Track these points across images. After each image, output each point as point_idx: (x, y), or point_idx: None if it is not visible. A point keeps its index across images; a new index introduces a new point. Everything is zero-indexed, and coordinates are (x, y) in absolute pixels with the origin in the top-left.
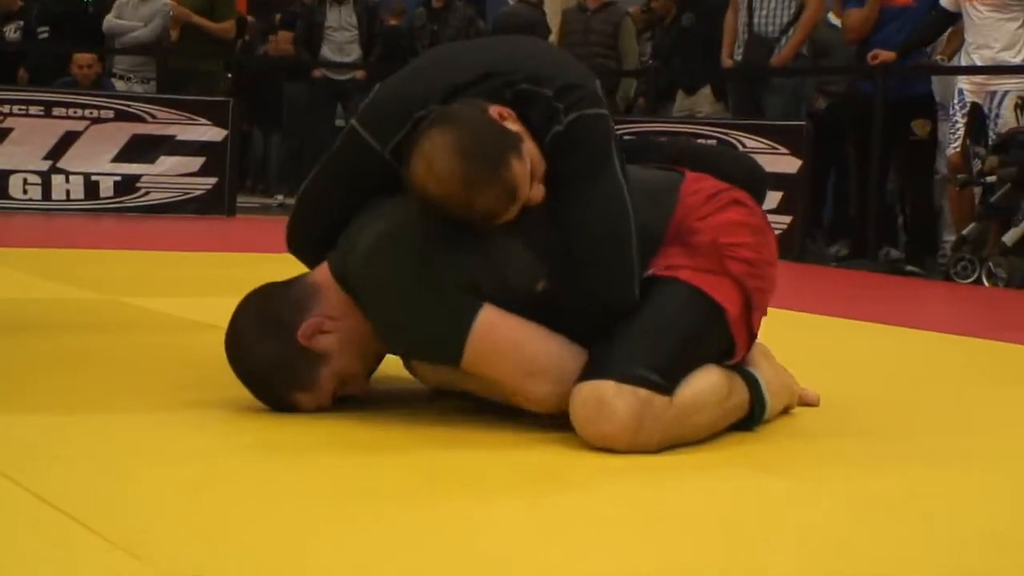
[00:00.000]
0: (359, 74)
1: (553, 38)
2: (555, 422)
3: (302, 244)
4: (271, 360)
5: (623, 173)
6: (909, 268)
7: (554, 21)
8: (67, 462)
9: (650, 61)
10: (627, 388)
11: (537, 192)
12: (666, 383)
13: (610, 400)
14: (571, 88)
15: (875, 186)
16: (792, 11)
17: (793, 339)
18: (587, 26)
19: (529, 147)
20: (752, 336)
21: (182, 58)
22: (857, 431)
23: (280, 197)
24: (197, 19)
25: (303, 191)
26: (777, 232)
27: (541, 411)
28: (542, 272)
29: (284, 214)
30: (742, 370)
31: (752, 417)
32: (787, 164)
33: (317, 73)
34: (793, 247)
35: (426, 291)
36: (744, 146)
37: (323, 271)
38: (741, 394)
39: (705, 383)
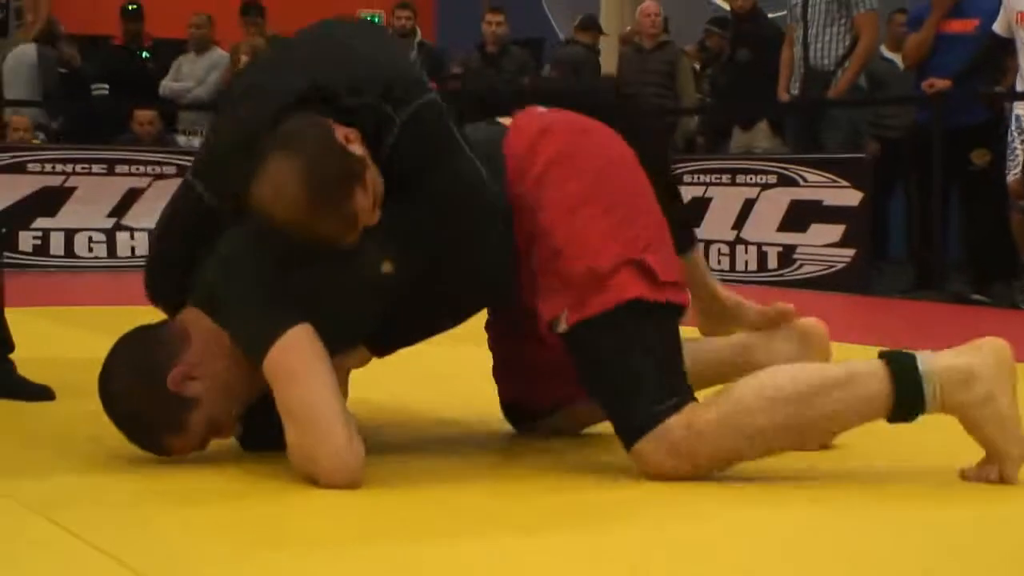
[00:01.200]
0: None
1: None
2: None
3: (162, 294)
4: (142, 405)
5: (467, 145)
6: (975, 297)
7: (610, 60)
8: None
9: (707, 99)
10: (644, 439)
11: (375, 217)
12: (669, 402)
13: (645, 458)
14: (393, 84)
15: (937, 216)
16: (847, 43)
17: None
18: (644, 66)
19: (372, 173)
20: (675, 267)
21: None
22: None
23: None
24: None
25: (153, 248)
26: (840, 266)
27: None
28: (385, 254)
29: None
30: (893, 355)
31: (903, 406)
32: (849, 197)
33: None
34: (858, 280)
35: (253, 298)
36: (805, 180)
37: (189, 314)
38: (866, 387)
39: (763, 380)
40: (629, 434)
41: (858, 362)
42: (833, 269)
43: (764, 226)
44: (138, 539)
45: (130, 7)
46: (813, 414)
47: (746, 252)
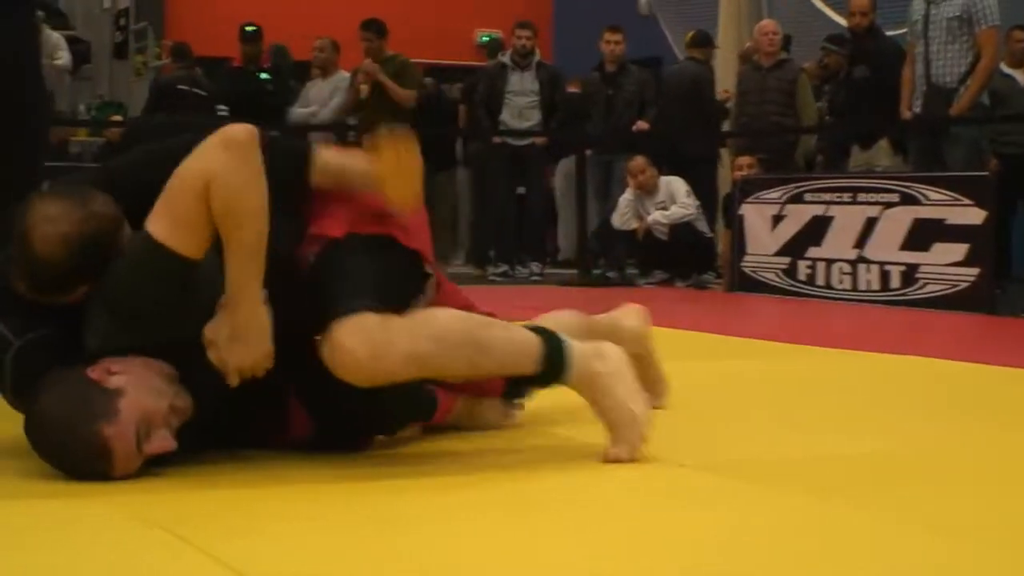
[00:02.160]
0: (539, 140)
1: (729, 94)
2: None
3: None
4: (65, 400)
5: None
6: None
7: (728, 78)
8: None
9: (827, 117)
10: (343, 321)
11: None
12: (372, 304)
13: (336, 339)
14: None
15: None
16: (969, 60)
17: (1005, 395)
18: (763, 84)
19: None
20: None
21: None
22: None
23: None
24: (383, 77)
25: None
26: (964, 285)
27: None
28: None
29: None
30: (537, 327)
31: (551, 356)
32: (972, 216)
33: (497, 140)
34: (982, 300)
35: None
36: (928, 198)
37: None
38: (521, 334)
39: (446, 309)
40: (328, 323)
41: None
42: (957, 288)
43: (886, 245)
44: (256, 550)
45: (248, 29)
46: (487, 336)
47: (868, 271)
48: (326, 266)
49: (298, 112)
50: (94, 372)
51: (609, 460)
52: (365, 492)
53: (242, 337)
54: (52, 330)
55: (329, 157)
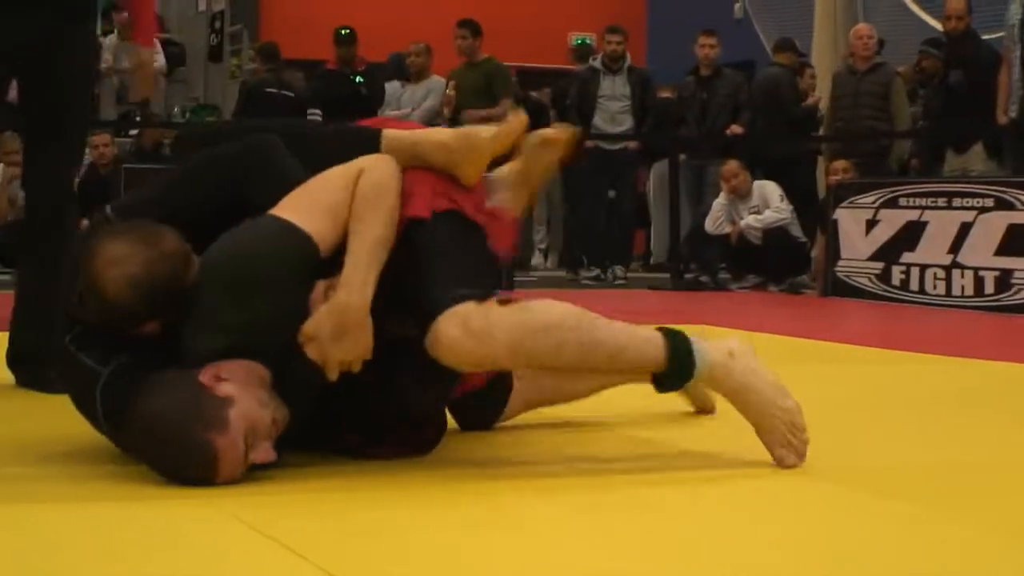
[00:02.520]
0: (631, 144)
1: (822, 100)
2: None
3: None
4: (177, 405)
5: None
6: None
7: (823, 82)
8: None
9: (920, 121)
10: (446, 313)
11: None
12: (475, 291)
13: (440, 332)
14: None
15: None
16: None
17: None
18: (857, 88)
19: None
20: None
21: None
22: None
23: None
24: (473, 120)
25: None
26: None
27: None
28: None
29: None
30: (668, 330)
31: (676, 360)
32: None
33: (589, 143)
34: None
35: None
36: (1023, 203)
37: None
38: (646, 332)
39: (559, 301)
40: (430, 314)
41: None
42: None
43: (981, 250)
44: (335, 543)
45: (343, 31)
46: (600, 335)
47: (962, 277)
48: (414, 249)
49: (390, 115)
50: (204, 376)
51: (783, 466)
52: (468, 493)
53: (347, 331)
54: (130, 355)
55: (400, 134)
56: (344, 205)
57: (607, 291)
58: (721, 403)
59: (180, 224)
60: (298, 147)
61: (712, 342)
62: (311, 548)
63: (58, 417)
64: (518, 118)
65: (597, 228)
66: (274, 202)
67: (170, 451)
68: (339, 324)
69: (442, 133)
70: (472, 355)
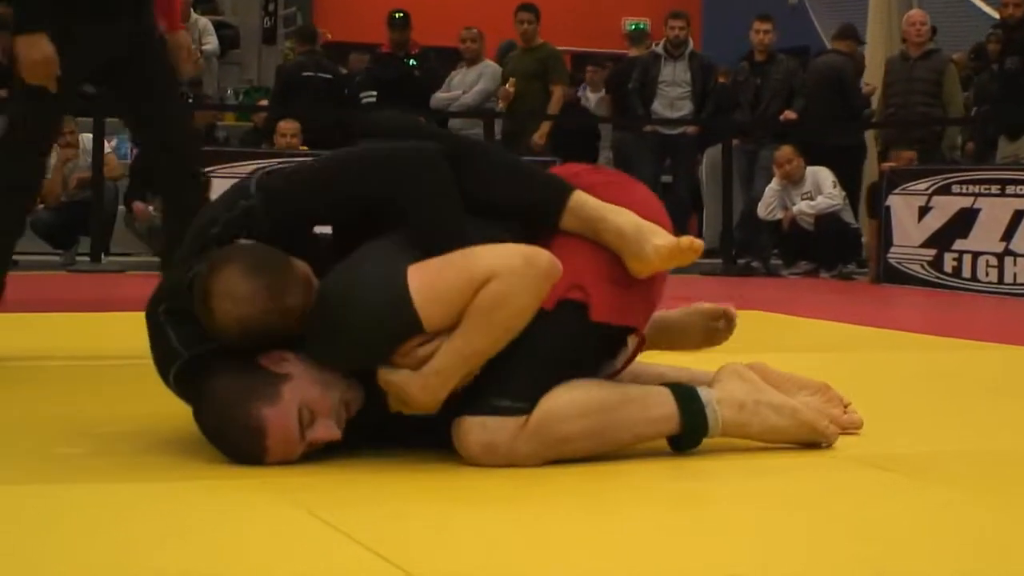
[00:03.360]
0: (690, 129)
1: (871, 86)
2: None
3: None
4: (233, 382)
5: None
6: None
7: (876, 70)
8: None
9: (974, 107)
10: (476, 420)
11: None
12: (518, 404)
13: (463, 435)
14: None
15: None
16: None
17: None
18: (910, 74)
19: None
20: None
21: (509, 119)
22: None
23: None
24: None
25: None
26: None
27: None
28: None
29: None
30: (677, 387)
31: (686, 434)
32: None
33: (648, 128)
34: None
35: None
36: None
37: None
38: (659, 408)
39: (574, 394)
40: (469, 405)
41: (648, 387)
42: None
43: None
44: (398, 534)
45: (397, 15)
46: (618, 434)
47: (1015, 264)
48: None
49: (440, 97)
50: (266, 359)
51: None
52: (522, 486)
53: (408, 407)
54: (215, 346)
55: (588, 201)
56: (463, 302)
57: None
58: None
59: (319, 219)
60: (482, 171)
61: (723, 396)
62: (362, 532)
63: (138, 397)
64: (692, 244)
65: None
66: (417, 225)
67: (224, 425)
68: (402, 398)
69: (625, 218)
70: (491, 463)
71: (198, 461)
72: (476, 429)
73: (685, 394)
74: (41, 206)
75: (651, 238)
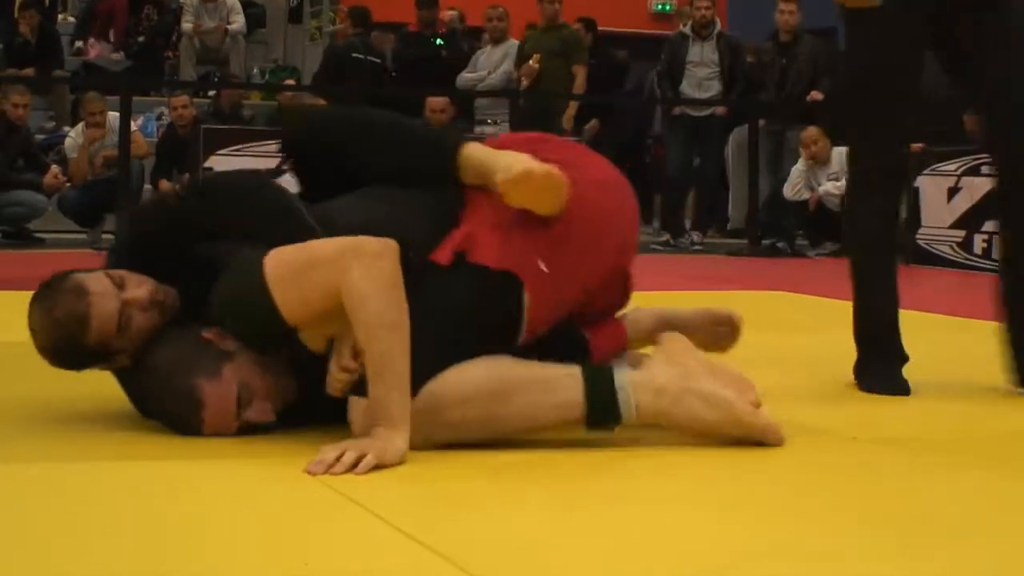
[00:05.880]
0: (719, 110)
1: None
2: None
3: None
4: (175, 355)
5: None
6: None
7: None
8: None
9: None
10: (360, 402)
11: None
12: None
13: (349, 416)
14: None
15: None
16: None
17: None
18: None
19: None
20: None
21: (535, 99)
22: None
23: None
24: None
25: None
26: None
27: None
28: None
29: None
30: (591, 367)
31: (596, 417)
32: None
33: (677, 110)
34: None
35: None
36: None
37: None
38: (565, 392)
39: (462, 376)
40: (362, 387)
41: (560, 367)
42: None
43: None
44: (438, 518)
45: None
46: (506, 411)
47: None
48: (415, 304)
49: (466, 77)
50: (209, 333)
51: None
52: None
53: (392, 455)
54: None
55: (475, 153)
56: (321, 306)
57: (683, 257)
58: (769, 377)
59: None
60: (369, 153)
61: (642, 380)
62: (390, 510)
63: None
64: (548, 171)
65: (674, 194)
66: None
67: (163, 394)
68: (384, 460)
69: (506, 159)
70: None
71: (216, 440)
72: (357, 411)
73: (597, 376)
74: (68, 184)
75: (513, 165)
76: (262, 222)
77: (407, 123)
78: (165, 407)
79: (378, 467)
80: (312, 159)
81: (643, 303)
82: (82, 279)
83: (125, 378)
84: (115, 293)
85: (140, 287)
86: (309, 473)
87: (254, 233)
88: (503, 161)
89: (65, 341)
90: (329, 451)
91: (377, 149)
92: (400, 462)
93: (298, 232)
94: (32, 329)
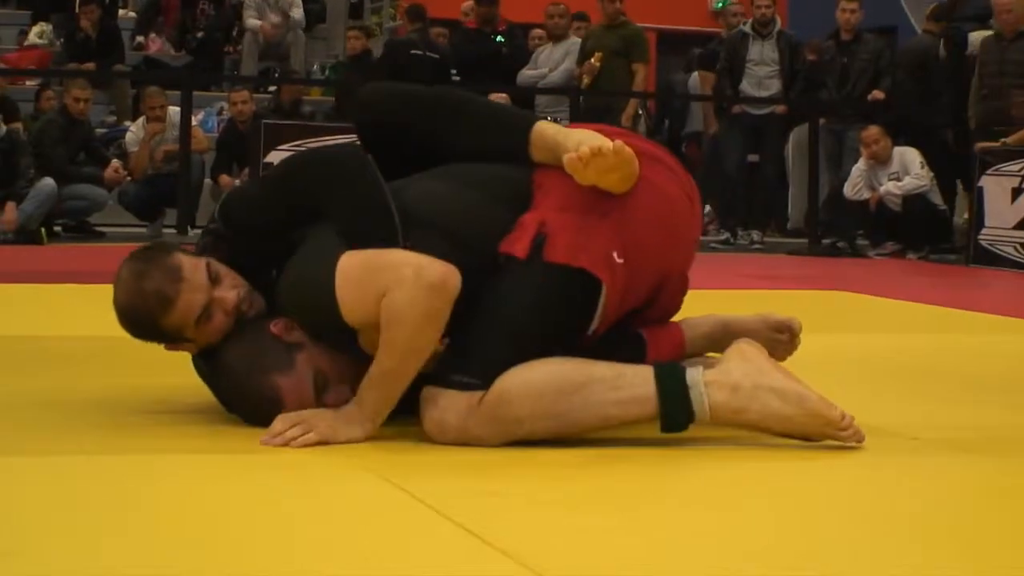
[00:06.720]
0: (779, 108)
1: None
2: None
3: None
4: (245, 352)
5: None
6: None
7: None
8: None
9: None
10: (430, 394)
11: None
12: (472, 380)
13: (421, 409)
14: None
15: None
16: None
17: None
18: (1003, 56)
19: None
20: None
21: (596, 97)
22: None
23: None
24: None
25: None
26: None
27: None
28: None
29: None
30: (663, 365)
31: (669, 415)
32: None
33: (737, 109)
34: None
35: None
36: None
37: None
38: (632, 389)
39: (531, 373)
40: (435, 379)
41: (629, 366)
42: None
43: None
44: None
45: None
46: (575, 408)
47: None
48: (489, 290)
49: (527, 74)
50: (276, 327)
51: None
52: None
53: (337, 434)
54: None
55: (547, 130)
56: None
57: (743, 255)
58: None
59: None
60: (452, 120)
61: (716, 378)
62: (439, 501)
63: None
64: (617, 147)
65: (735, 192)
66: (343, 227)
67: (242, 394)
68: (327, 437)
69: (576, 135)
70: (444, 441)
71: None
72: (428, 404)
73: (668, 374)
74: (128, 179)
75: (584, 141)
76: (344, 207)
77: (481, 101)
78: (246, 407)
79: (323, 443)
80: (387, 135)
81: (701, 302)
82: (182, 262)
83: (206, 374)
84: (207, 287)
85: (232, 290)
86: (262, 443)
87: (335, 216)
88: (574, 137)
89: (142, 313)
90: (278, 423)
91: (452, 127)
92: (347, 442)
93: (376, 226)
94: (117, 281)
